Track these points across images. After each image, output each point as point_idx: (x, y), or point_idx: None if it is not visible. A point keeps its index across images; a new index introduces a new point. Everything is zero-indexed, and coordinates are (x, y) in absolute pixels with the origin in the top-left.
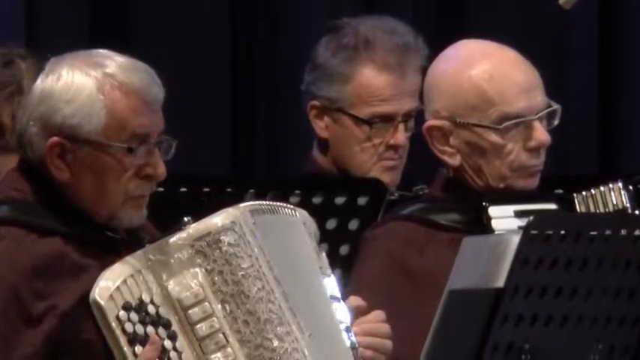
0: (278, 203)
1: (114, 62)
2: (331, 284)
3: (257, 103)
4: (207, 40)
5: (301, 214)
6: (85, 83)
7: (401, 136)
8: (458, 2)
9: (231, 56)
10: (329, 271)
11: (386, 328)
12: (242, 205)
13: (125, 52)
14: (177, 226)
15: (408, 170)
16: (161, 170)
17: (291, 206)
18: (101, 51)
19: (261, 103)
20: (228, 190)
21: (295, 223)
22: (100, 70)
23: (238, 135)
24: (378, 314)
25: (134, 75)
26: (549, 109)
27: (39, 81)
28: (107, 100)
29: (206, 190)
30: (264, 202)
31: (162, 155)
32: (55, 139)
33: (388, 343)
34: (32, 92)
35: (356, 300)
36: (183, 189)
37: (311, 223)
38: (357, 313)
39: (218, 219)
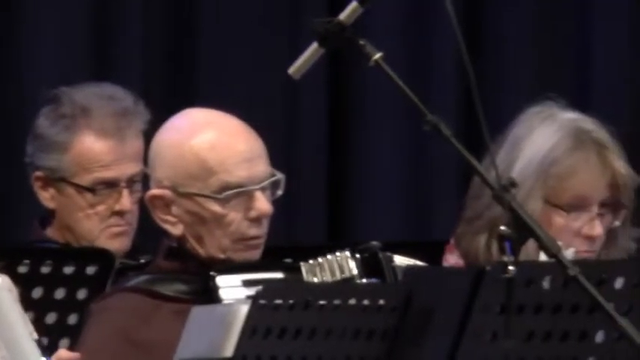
0: None
1: None
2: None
3: None
4: None
5: (4, 279)
6: None
7: (126, 201)
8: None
9: None
10: (35, 335)
11: None
12: None
13: None
14: None
15: (139, 238)
16: None
17: None
18: None
19: None
20: None
21: None
22: None
23: None
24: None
25: None
26: (272, 179)
27: None
28: None
29: None
30: None
31: None
32: None
33: None
34: None
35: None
36: None
37: (13, 289)
38: None
39: None
